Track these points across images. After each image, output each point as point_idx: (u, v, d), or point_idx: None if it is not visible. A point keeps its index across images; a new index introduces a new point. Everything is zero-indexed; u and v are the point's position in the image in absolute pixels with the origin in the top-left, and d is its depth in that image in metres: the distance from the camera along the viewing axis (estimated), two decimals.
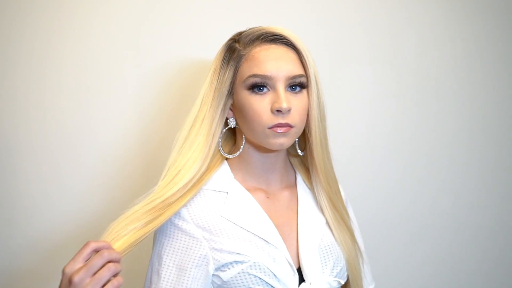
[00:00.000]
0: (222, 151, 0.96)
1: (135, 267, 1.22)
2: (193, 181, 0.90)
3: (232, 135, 1.02)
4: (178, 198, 0.88)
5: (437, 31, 1.47)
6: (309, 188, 1.01)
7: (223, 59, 0.94)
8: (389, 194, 1.46)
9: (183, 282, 0.86)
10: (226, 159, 0.98)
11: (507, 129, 1.55)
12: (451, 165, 1.50)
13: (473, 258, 1.52)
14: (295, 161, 1.05)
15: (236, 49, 0.93)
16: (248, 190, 0.95)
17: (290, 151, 1.04)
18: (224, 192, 0.94)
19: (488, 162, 1.53)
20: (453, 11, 1.48)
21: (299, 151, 0.98)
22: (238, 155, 0.97)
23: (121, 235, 0.83)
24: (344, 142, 1.41)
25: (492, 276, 1.54)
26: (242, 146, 0.96)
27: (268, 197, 0.96)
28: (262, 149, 0.95)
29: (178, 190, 0.88)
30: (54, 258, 1.29)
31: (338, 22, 1.40)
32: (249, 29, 0.96)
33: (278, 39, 0.92)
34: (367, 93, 1.43)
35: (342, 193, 1.05)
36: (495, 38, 1.52)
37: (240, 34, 0.96)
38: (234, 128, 0.97)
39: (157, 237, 0.92)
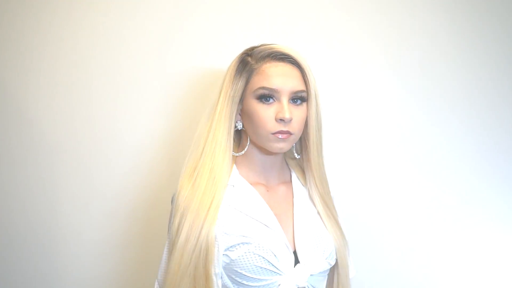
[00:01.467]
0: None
1: (149, 257, 1.37)
2: (227, 178, 1.04)
3: (237, 136, 1.14)
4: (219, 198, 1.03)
5: (442, 37, 1.50)
6: (303, 186, 1.14)
7: (237, 70, 1.06)
8: (392, 194, 1.51)
9: None
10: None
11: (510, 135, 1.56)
12: (450, 166, 1.52)
13: (468, 259, 1.54)
14: (292, 162, 1.18)
15: (248, 62, 1.06)
16: (251, 184, 1.08)
17: (289, 154, 1.18)
18: (231, 185, 1.07)
19: (485, 164, 1.55)
20: (457, 16, 1.51)
21: (296, 155, 1.12)
22: (243, 154, 1.10)
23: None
24: (348, 143, 1.48)
25: (487, 276, 1.55)
26: (247, 146, 1.09)
27: (268, 191, 1.10)
28: (264, 150, 1.08)
29: (221, 192, 1.03)
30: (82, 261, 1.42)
31: (343, 27, 1.46)
32: (261, 45, 1.08)
33: (286, 58, 1.05)
34: (372, 96, 1.48)
35: (332, 192, 1.18)
36: (500, 43, 1.53)
37: (252, 49, 1.08)
38: (240, 129, 1.10)
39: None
